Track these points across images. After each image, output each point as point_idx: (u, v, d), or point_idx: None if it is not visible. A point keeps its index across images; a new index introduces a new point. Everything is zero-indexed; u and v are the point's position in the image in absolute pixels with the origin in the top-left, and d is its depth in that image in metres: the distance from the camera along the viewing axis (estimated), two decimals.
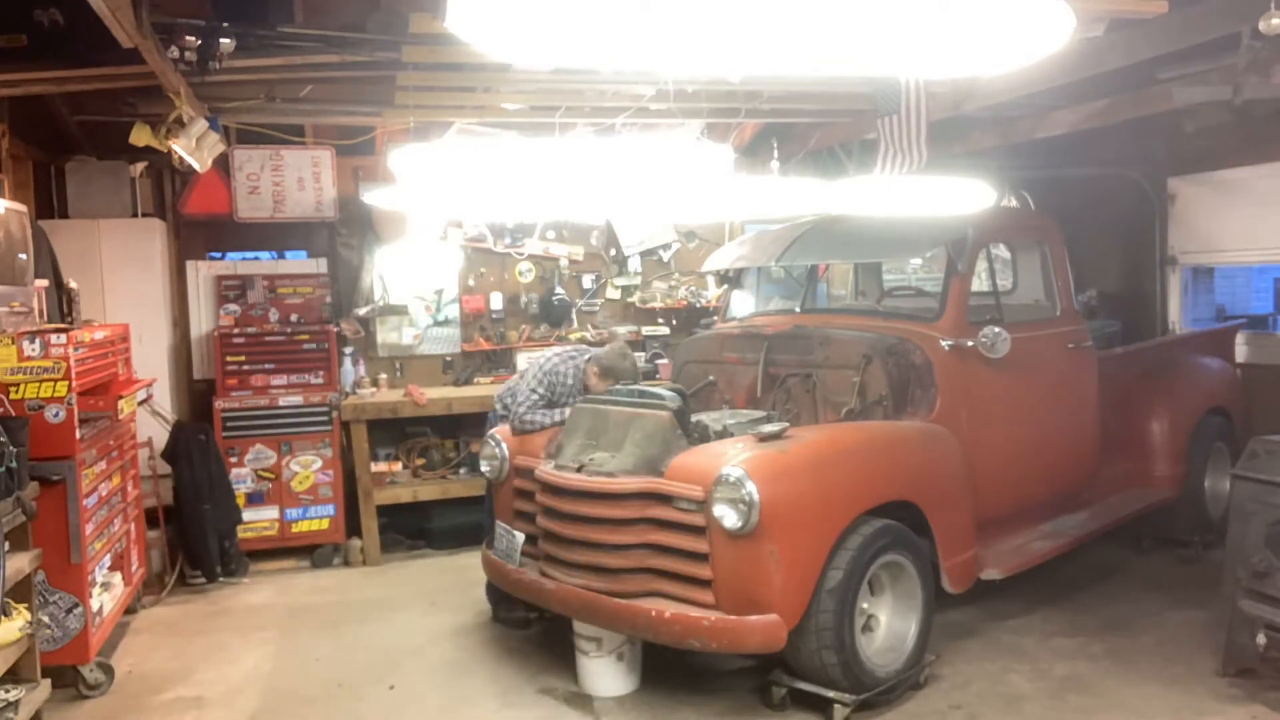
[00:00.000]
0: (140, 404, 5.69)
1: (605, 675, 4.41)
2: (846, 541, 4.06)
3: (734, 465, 3.92)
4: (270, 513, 6.59)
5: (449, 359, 7.70)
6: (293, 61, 4.80)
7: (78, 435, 4.48)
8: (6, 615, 3.83)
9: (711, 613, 3.95)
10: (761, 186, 5.73)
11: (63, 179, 6.60)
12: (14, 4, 4.45)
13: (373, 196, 6.31)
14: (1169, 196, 7.31)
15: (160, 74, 4.42)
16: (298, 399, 6.64)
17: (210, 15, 4.37)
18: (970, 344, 4.90)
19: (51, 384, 4.37)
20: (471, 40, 2.38)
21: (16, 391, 4.32)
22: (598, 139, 5.66)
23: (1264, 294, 7.98)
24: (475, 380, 7.43)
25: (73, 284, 5.20)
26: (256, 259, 7.19)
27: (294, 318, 6.89)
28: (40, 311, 5.05)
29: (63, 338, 4.41)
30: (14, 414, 4.23)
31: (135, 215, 6.68)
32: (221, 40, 4.34)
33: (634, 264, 8.11)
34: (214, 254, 7.16)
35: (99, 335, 5.07)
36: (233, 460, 6.48)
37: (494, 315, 7.75)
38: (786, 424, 4.54)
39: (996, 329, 4.83)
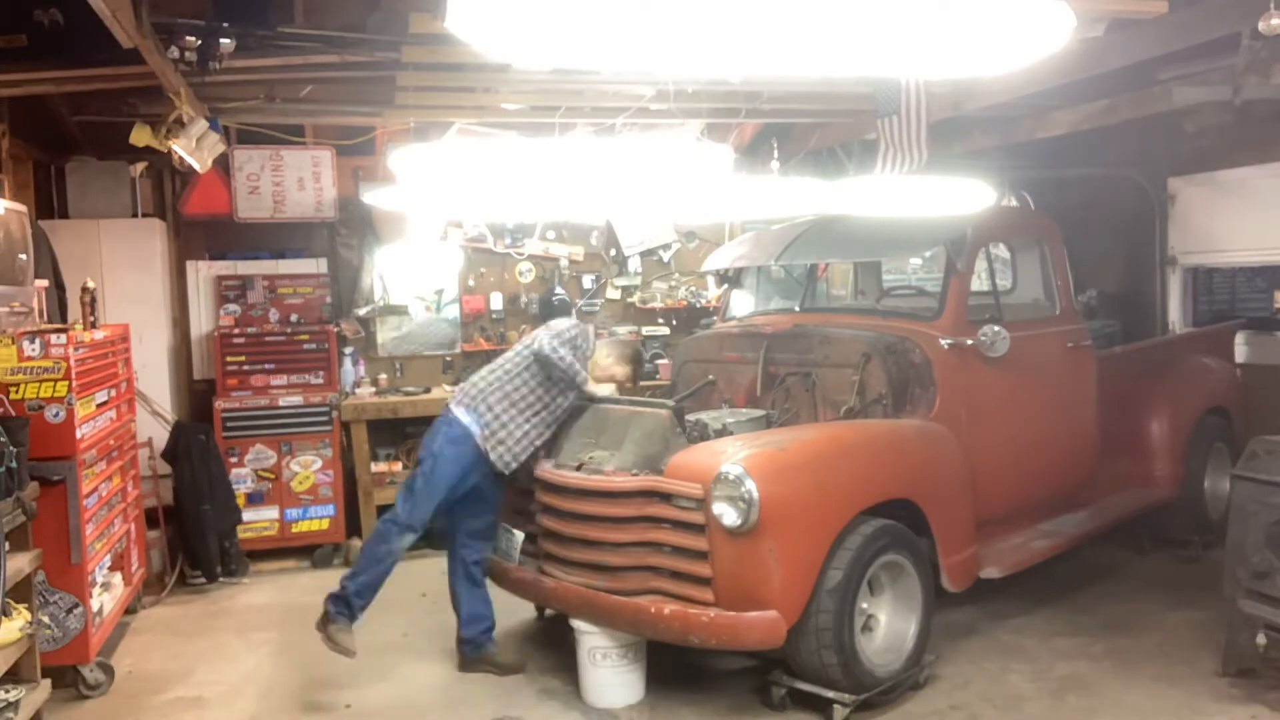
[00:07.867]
0: None
1: (608, 687, 4.34)
2: (846, 541, 4.06)
3: (733, 463, 3.92)
4: (270, 513, 6.59)
5: (449, 359, 7.71)
6: (293, 62, 4.80)
7: (78, 435, 4.49)
8: (6, 615, 3.83)
9: (711, 610, 3.95)
10: (761, 186, 5.73)
11: (63, 179, 6.60)
12: (14, 4, 4.45)
13: (373, 196, 6.31)
14: (1169, 196, 7.31)
15: (160, 74, 4.42)
16: (298, 399, 6.64)
17: (210, 15, 4.37)
18: (970, 343, 4.90)
19: (51, 384, 4.37)
20: (471, 40, 2.39)
21: (16, 391, 4.32)
22: (598, 139, 5.66)
23: (1263, 294, 7.96)
24: None
25: (90, 283, 5.21)
26: (256, 259, 7.20)
27: (294, 318, 6.90)
28: (40, 311, 5.05)
29: (63, 338, 4.41)
30: (14, 414, 4.23)
31: (135, 215, 6.68)
32: (221, 40, 4.34)
33: (634, 264, 8.11)
34: (214, 254, 7.16)
35: (99, 335, 5.07)
36: (233, 460, 6.48)
37: (494, 315, 7.76)
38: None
39: (996, 328, 4.84)
